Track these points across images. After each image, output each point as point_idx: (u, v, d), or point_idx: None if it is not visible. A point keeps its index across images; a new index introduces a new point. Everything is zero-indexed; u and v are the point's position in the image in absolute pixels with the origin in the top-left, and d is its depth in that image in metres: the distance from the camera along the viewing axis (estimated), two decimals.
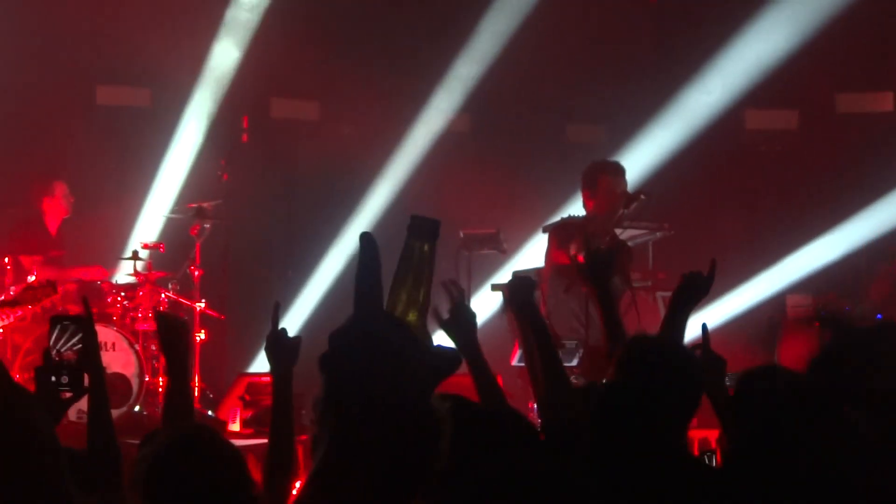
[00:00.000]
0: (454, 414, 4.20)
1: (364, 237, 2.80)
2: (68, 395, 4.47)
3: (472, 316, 5.13)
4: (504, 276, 13.18)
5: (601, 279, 5.56)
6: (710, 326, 5.43)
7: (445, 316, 5.08)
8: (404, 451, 2.74)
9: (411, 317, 3.14)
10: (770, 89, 15.28)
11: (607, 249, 5.83)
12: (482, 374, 5.06)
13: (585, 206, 10.87)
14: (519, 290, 5.31)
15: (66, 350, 4.39)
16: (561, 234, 10.79)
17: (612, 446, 4.22)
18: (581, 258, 10.28)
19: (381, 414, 2.66)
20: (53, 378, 4.41)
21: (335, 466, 2.68)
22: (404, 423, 2.72)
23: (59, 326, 4.49)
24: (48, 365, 4.46)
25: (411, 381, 2.66)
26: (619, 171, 10.87)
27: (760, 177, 15.82)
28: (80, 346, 4.40)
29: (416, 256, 3.20)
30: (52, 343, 4.46)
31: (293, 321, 14.41)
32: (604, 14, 15.74)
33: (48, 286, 11.11)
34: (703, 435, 9.67)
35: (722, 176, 15.60)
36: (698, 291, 5.43)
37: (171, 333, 5.03)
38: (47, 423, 3.55)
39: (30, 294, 10.28)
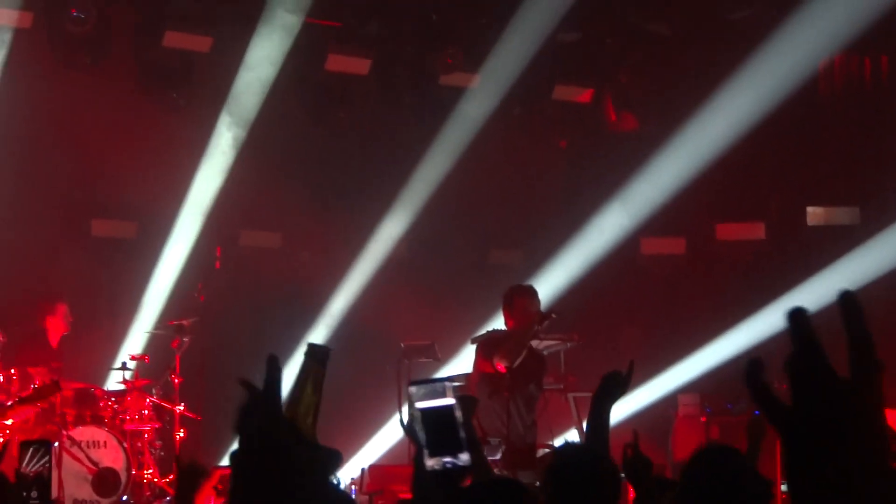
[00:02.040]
0: None
1: (270, 359, 2.90)
2: None
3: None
4: None
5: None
6: (613, 423, 5.30)
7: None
8: None
9: (307, 422, 3.27)
10: (661, 219, 15.46)
11: (470, 397, 5.74)
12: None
13: (506, 323, 10.96)
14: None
15: (34, 469, 4.46)
16: (486, 347, 10.87)
17: None
18: (502, 367, 10.44)
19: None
20: (24, 493, 4.46)
21: None
22: None
23: (29, 449, 4.55)
24: (21, 482, 4.51)
25: (306, 477, 2.72)
26: (532, 293, 10.94)
27: (654, 294, 15.96)
28: (48, 464, 4.47)
29: (311, 375, 3.33)
30: (23, 463, 4.52)
31: None
32: (521, 156, 15.93)
33: (53, 385, 11.13)
34: None
35: (622, 294, 15.72)
36: (618, 388, 5.18)
37: (189, 480, 5.01)
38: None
39: (37, 393, 10.27)
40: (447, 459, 3.33)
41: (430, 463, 3.34)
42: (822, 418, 2.08)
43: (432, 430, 3.37)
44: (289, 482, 2.49)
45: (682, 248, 16.26)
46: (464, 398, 5.54)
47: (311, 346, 3.51)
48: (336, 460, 2.95)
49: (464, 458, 3.33)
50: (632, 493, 5.19)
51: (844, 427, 2.05)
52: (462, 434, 3.36)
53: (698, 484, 4.36)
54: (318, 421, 3.21)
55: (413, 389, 3.42)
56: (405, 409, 12.59)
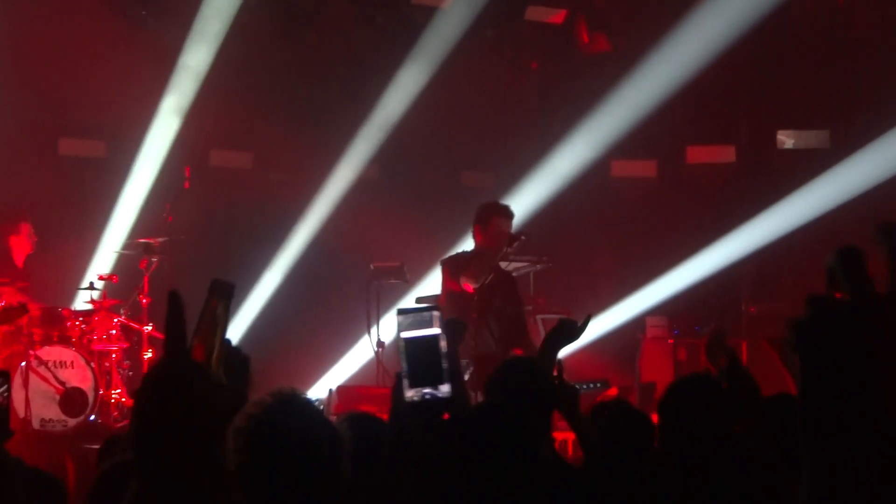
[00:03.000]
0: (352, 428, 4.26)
1: (171, 295, 2.81)
2: None
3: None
4: (408, 301, 13.18)
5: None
6: (582, 344, 5.52)
7: None
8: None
9: (210, 360, 3.20)
10: (632, 142, 15.38)
11: (459, 321, 5.81)
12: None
13: (475, 239, 10.86)
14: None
15: None
16: (452, 266, 10.80)
17: (481, 454, 4.16)
18: (469, 287, 10.38)
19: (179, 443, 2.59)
20: None
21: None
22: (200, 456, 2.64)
23: None
24: None
25: (208, 413, 2.63)
26: (508, 213, 10.85)
27: (625, 217, 15.92)
28: (6, 393, 4.37)
29: (215, 312, 3.26)
30: None
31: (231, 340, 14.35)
32: (493, 77, 15.82)
33: (20, 308, 11.02)
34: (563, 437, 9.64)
35: (592, 216, 15.66)
36: (569, 336, 5.45)
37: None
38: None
39: (3, 314, 10.17)
40: (427, 391, 3.28)
41: (410, 394, 3.29)
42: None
43: (414, 361, 3.32)
44: (186, 422, 2.42)
45: (652, 170, 16.23)
46: (453, 322, 5.52)
47: (215, 282, 3.39)
48: (237, 401, 2.85)
49: (444, 389, 3.29)
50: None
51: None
52: (445, 365, 3.31)
53: (676, 419, 4.52)
54: (220, 359, 3.11)
55: (400, 318, 3.36)
56: (374, 334, 12.59)
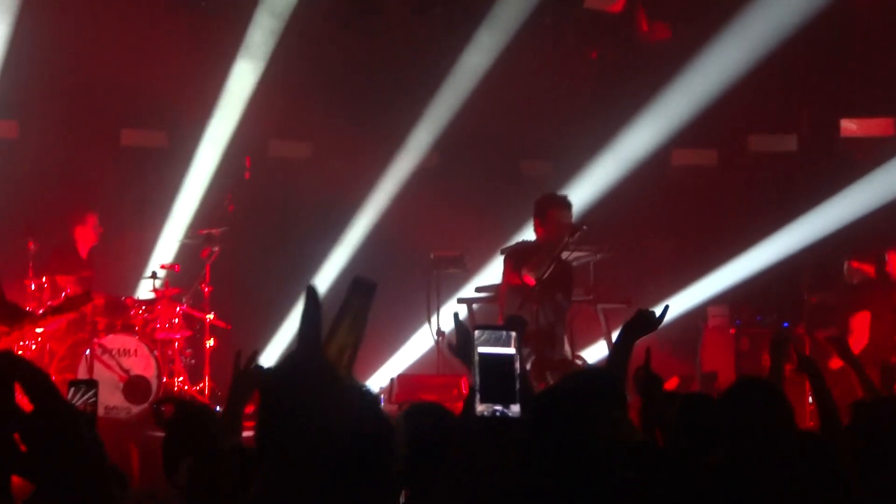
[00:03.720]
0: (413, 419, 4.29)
1: (309, 290, 2.91)
2: None
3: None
4: (467, 291, 13.20)
5: None
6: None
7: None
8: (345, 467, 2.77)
9: (345, 357, 3.26)
10: (693, 131, 15.30)
11: (519, 318, 5.67)
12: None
13: (536, 232, 10.85)
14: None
15: (80, 403, 4.43)
16: (515, 259, 10.78)
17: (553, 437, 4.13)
18: (530, 280, 10.37)
19: (311, 439, 2.69)
20: None
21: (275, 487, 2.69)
22: (339, 445, 2.74)
23: (73, 387, 4.53)
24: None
25: (336, 413, 2.72)
26: (566, 204, 10.80)
27: (685, 206, 15.82)
28: (93, 400, 4.44)
29: (355, 308, 3.33)
30: (69, 400, 4.50)
31: (287, 331, 14.46)
32: (552, 66, 15.75)
33: (84, 295, 11.13)
34: None
35: (652, 205, 15.58)
36: (647, 327, 5.31)
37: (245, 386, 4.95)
38: (96, 437, 3.64)
39: (69, 303, 10.29)
40: (498, 408, 3.30)
41: (480, 408, 3.31)
42: None
43: (488, 377, 3.34)
44: (314, 418, 2.47)
45: (713, 159, 16.12)
46: (514, 319, 5.52)
47: (356, 280, 3.47)
48: (369, 403, 2.90)
49: (514, 409, 3.29)
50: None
51: None
52: (517, 386, 3.33)
53: (734, 419, 4.46)
54: (354, 359, 3.19)
55: (477, 333, 3.38)
56: (434, 322, 12.61)
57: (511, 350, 3.37)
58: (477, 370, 3.34)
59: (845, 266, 12.74)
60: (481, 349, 3.37)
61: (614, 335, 11.86)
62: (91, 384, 4.48)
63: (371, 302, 3.35)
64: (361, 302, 3.33)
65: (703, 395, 5.45)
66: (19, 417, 3.38)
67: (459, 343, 4.14)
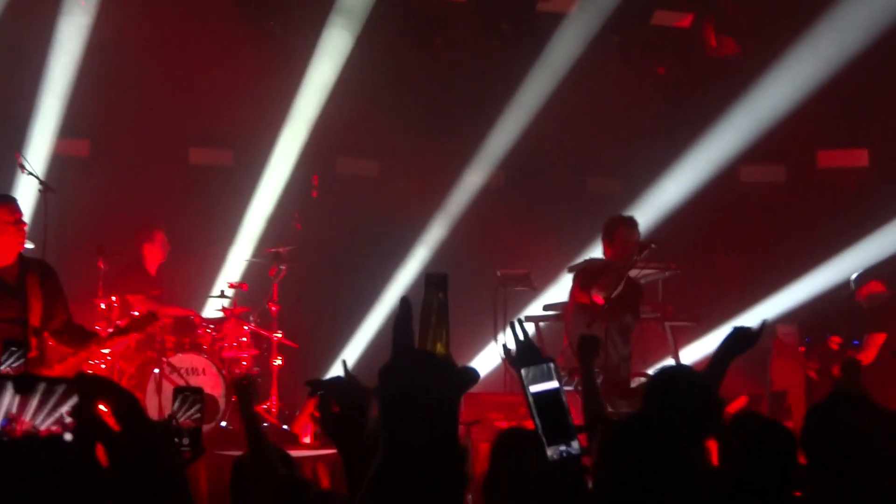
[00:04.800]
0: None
1: (403, 301, 3.11)
2: (188, 454, 4.49)
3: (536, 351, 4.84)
4: (534, 309, 13.18)
5: (585, 360, 5.27)
6: (708, 351, 5.38)
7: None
8: (445, 461, 2.94)
9: (439, 349, 3.34)
10: (761, 147, 15.21)
11: (594, 337, 5.50)
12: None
13: (605, 253, 10.81)
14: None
15: (184, 419, 4.43)
16: (583, 278, 10.75)
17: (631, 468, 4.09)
18: (599, 299, 10.34)
19: (422, 428, 2.90)
20: (176, 440, 4.44)
21: (390, 475, 2.90)
22: (443, 434, 2.93)
23: (180, 396, 4.53)
24: (171, 429, 4.48)
25: (442, 396, 2.93)
26: (633, 224, 10.76)
27: (753, 223, 15.74)
28: (198, 415, 4.44)
29: (435, 303, 3.40)
30: (174, 410, 4.50)
31: (354, 350, 14.50)
32: (620, 83, 15.71)
33: (150, 315, 11.18)
34: None
35: (720, 222, 15.53)
36: (745, 343, 5.32)
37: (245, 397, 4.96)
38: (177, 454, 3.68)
39: (135, 323, 10.35)
40: (562, 448, 3.29)
41: (550, 453, 3.30)
42: None
43: (546, 418, 3.32)
44: (426, 404, 2.84)
45: (782, 175, 16.02)
46: (588, 339, 5.45)
47: (429, 275, 3.56)
48: (473, 380, 3.14)
49: (575, 446, 3.28)
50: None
51: None
52: (570, 420, 3.31)
53: (821, 436, 4.24)
54: (449, 345, 3.33)
55: (524, 372, 3.37)
56: (503, 339, 12.60)
57: (554, 383, 3.35)
58: (535, 413, 3.32)
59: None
60: (533, 388, 3.34)
61: (682, 353, 11.86)
62: (198, 394, 4.49)
63: (447, 291, 3.45)
64: (440, 294, 3.40)
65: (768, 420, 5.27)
66: (107, 432, 3.41)
67: (518, 354, 4.15)
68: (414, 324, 3.11)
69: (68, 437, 3.28)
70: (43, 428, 3.43)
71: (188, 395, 4.46)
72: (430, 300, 3.43)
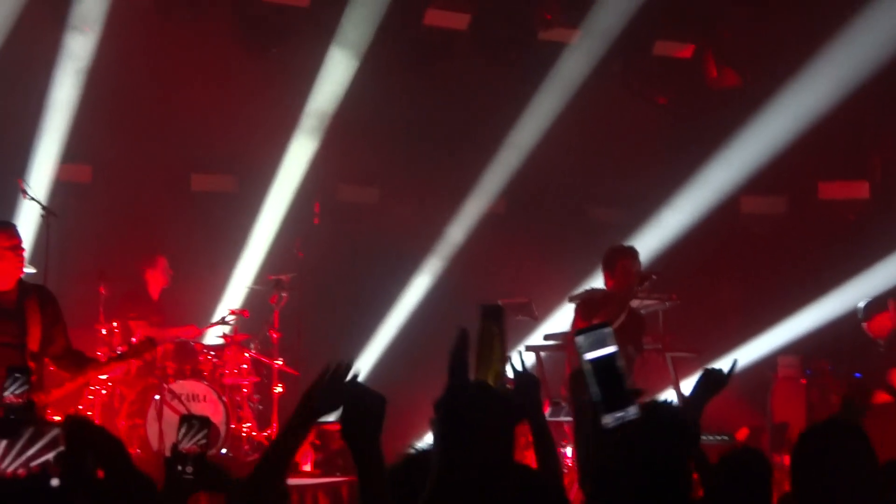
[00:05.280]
0: None
1: (461, 332, 3.38)
2: (191, 481, 4.49)
3: (536, 382, 4.74)
4: (535, 338, 13.17)
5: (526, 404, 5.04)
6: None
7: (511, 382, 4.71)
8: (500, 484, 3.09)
9: (493, 375, 3.44)
10: (762, 178, 15.23)
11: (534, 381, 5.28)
12: (542, 431, 4.76)
13: (606, 283, 10.82)
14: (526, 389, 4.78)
15: (190, 445, 4.43)
16: (585, 309, 10.75)
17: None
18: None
19: (478, 456, 3.05)
20: (179, 467, 4.44)
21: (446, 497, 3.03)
22: (498, 461, 3.09)
23: (186, 423, 4.53)
24: (175, 456, 4.49)
25: (497, 425, 3.11)
26: (634, 255, 10.78)
27: (754, 254, 15.75)
28: (203, 441, 4.44)
29: (490, 334, 3.49)
30: (179, 437, 4.50)
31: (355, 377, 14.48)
32: (621, 113, 15.75)
33: (148, 342, 11.16)
34: None
35: (721, 253, 15.55)
36: (717, 385, 5.30)
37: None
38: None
39: (132, 350, 10.34)
40: (619, 414, 3.24)
41: (607, 420, 3.24)
42: None
43: (604, 384, 3.26)
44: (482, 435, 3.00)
45: (782, 206, 16.04)
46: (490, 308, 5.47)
47: (485, 307, 3.65)
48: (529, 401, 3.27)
49: (632, 411, 3.23)
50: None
51: None
52: (626, 384, 3.26)
53: (816, 462, 4.21)
54: (501, 375, 3.45)
55: (580, 339, 3.31)
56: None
57: (612, 348, 3.29)
58: (594, 379, 3.25)
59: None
60: (589, 355, 3.28)
61: (682, 384, 11.85)
62: (204, 422, 4.48)
63: (502, 322, 3.54)
64: (495, 326, 3.48)
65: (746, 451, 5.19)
66: (92, 483, 3.41)
67: (518, 388, 4.15)
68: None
69: (55, 482, 3.28)
70: (13, 470, 3.41)
71: (194, 422, 4.48)
72: (485, 331, 3.50)
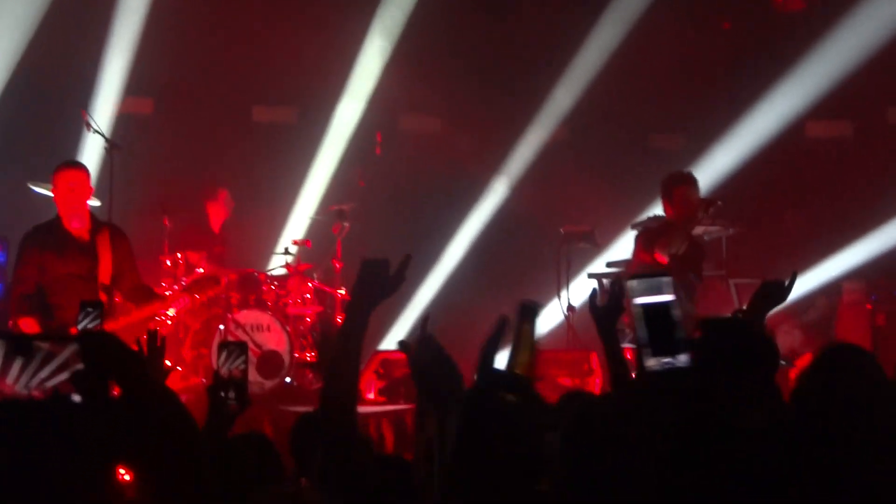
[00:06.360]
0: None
1: (500, 321, 3.50)
2: (235, 406, 4.52)
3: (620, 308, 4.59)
4: (598, 266, 13.15)
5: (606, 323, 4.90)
6: (776, 308, 5.19)
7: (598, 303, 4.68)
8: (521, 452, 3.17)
9: (521, 368, 3.55)
10: (828, 103, 15.05)
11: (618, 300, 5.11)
12: (615, 351, 4.62)
13: (665, 211, 10.71)
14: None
15: (232, 368, 4.47)
16: (646, 238, 10.67)
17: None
18: (662, 258, 10.27)
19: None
20: (222, 393, 4.47)
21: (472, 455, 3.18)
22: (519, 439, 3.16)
23: (225, 349, 4.55)
24: (217, 382, 4.50)
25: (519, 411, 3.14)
26: (691, 181, 10.59)
27: (819, 179, 15.59)
28: (244, 365, 4.46)
29: (521, 332, 3.59)
30: (220, 363, 4.53)
31: (416, 307, 14.55)
32: (684, 38, 15.58)
33: (212, 279, 11.23)
34: None
35: (786, 179, 15.40)
36: (776, 298, 5.15)
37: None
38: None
39: (196, 285, 10.43)
40: (666, 360, 3.25)
41: (651, 363, 3.26)
42: None
43: (652, 329, 3.27)
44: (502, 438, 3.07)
45: (849, 131, 15.84)
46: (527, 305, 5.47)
47: (522, 306, 3.73)
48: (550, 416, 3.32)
49: (682, 359, 3.23)
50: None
51: None
52: (681, 335, 3.26)
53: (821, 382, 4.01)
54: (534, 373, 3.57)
55: (633, 283, 3.33)
56: (564, 297, 12.62)
57: (670, 296, 3.30)
58: (643, 323, 3.27)
59: None
60: (640, 300, 3.30)
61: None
62: (242, 347, 4.51)
63: (534, 322, 3.65)
64: (526, 325, 3.59)
65: None
66: (111, 402, 3.40)
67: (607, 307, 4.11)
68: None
69: (76, 398, 3.29)
70: (32, 392, 3.38)
71: (233, 347, 4.52)
72: (519, 329, 3.58)
